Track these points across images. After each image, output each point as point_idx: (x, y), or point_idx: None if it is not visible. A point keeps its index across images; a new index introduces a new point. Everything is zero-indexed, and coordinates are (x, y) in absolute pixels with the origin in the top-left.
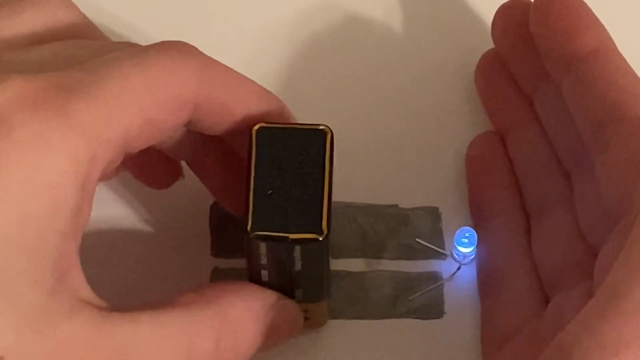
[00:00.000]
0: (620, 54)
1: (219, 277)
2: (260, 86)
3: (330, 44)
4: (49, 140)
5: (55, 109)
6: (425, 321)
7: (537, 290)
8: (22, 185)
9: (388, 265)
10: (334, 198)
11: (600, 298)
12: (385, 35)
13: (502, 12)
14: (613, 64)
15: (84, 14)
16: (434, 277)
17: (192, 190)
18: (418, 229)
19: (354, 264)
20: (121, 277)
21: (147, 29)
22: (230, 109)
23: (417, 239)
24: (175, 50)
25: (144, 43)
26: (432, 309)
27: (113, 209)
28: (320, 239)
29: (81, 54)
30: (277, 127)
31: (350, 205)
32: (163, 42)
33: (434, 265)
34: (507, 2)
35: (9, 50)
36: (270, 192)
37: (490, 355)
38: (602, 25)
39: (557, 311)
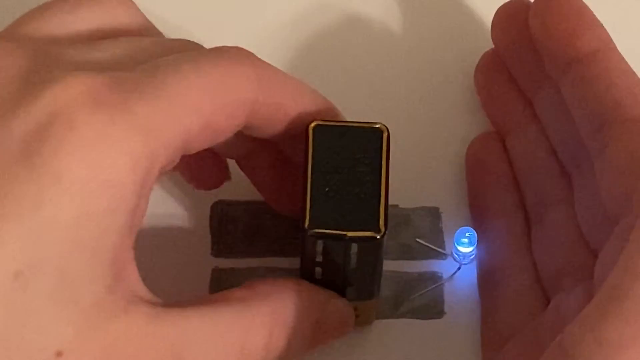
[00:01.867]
0: (620, 54)
1: (219, 277)
2: (311, 87)
3: (330, 44)
4: (111, 138)
5: (117, 107)
6: (425, 321)
7: (537, 291)
8: (84, 183)
9: (388, 265)
10: None
11: (601, 298)
12: (385, 35)
13: (501, 12)
14: (613, 64)
15: (142, 13)
16: (434, 277)
17: (192, 190)
18: (418, 229)
19: None
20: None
21: None
22: (286, 112)
23: (417, 239)
24: (232, 54)
25: None
26: (432, 309)
27: None
28: (378, 237)
29: (141, 53)
30: (333, 125)
31: None
32: (220, 47)
33: (434, 265)
34: (507, 2)
35: (71, 46)
36: (327, 189)
37: (490, 355)
38: (602, 26)
39: (557, 311)
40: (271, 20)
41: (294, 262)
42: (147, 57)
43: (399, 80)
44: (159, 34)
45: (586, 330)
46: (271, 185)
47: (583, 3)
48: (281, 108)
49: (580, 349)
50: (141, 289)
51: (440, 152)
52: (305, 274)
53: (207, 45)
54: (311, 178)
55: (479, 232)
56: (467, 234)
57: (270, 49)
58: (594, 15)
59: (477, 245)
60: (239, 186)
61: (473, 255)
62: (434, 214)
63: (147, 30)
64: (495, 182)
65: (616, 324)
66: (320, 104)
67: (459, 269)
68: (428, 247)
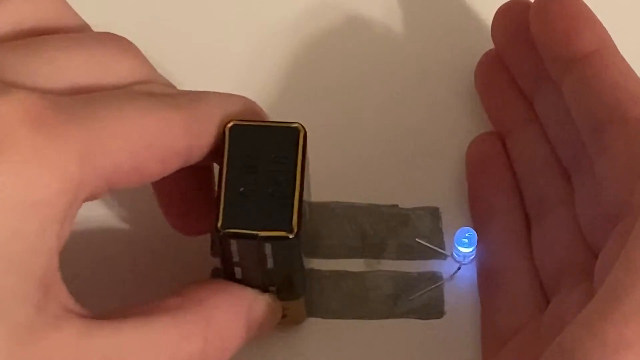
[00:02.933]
0: (620, 54)
1: (218, 277)
2: (230, 94)
3: (330, 44)
4: (46, 159)
5: (54, 129)
6: (425, 321)
7: (537, 291)
8: (16, 202)
9: (388, 265)
10: (334, 198)
11: (601, 298)
12: (385, 35)
13: (502, 12)
14: (613, 64)
15: (70, 6)
16: (434, 277)
17: None
18: (418, 229)
19: (354, 264)
20: (121, 277)
21: (147, 29)
22: (214, 137)
23: (417, 239)
24: (170, 100)
25: (144, 43)
26: (432, 309)
27: (113, 209)
28: (291, 237)
29: (79, 71)
30: (250, 125)
31: (350, 205)
32: (151, 88)
33: (434, 265)
34: (507, 2)
35: (7, 52)
36: (242, 189)
37: (490, 355)
38: (602, 26)
39: (557, 311)
40: (271, 20)
41: None
42: (89, 79)
43: (398, 80)
44: (87, 28)
45: (586, 330)
46: (175, 197)
47: (583, 3)
48: (211, 138)
49: (580, 349)
50: (72, 305)
51: (440, 152)
52: (227, 274)
53: (208, 45)
54: (226, 177)
55: (479, 232)
56: (467, 234)
57: (270, 49)
58: (594, 15)
59: (477, 245)
60: None
61: (473, 256)
62: (434, 214)
63: (78, 26)
64: (495, 182)
65: (616, 324)
66: (243, 105)
67: (459, 269)
68: (428, 247)
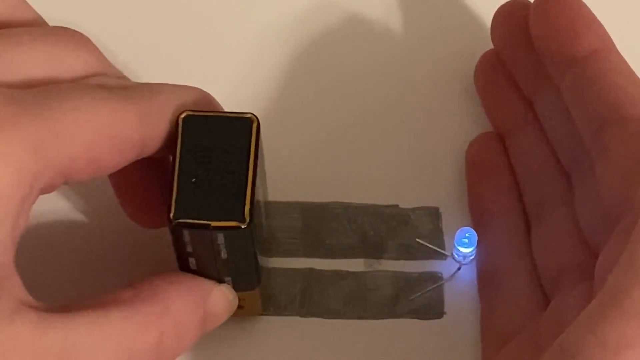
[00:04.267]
0: (620, 54)
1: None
2: (185, 86)
3: (330, 44)
4: (0, 151)
5: (7, 121)
6: (425, 321)
7: (537, 291)
8: None
9: (388, 265)
10: (334, 198)
11: (601, 299)
12: (384, 36)
13: (501, 12)
14: (613, 65)
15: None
16: (434, 277)
17: None
18: (418, 229)
19: (354, 264)
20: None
21: (147, 29)
22: (168, 128)
23: (417, 239)
24: (124, 92)
25: (143, 43)
26: (432, 309)
27: (112, 208)
28: (243, 226)
29: (31, 66)
30: (203, 115)
31: (350, 205)
32: (105, 80)
33: (434, 265)
34: (507, 2)
35: None
36: (194, 179)
37: (490, 355)
38: (602, 26)
39: (557, 312)
40: (271, 20)
41: (293, 262)
42: (43, 72)
43: (398, 80)
44: (42, 22)
45: (587, 330)
46: (132, 189)
47: (583, 3)
48: (165, 129)
49: (581, 349)
50: (26, 297)
51: (440, 152)
52: (182, 265)
53: (208, 45)
54: (178, 168)
55: (479, 232)
56: (467, 234)
57: (270, 49)
58: (594, 15)
59: (477, 245)
60: None
61: (473, 256)
62: (434, 214)
63: (32, 19)
64: (495, 182)
65: (617, 325)
66: (197, 96)
67: (459, 269)
68: (428, 247)
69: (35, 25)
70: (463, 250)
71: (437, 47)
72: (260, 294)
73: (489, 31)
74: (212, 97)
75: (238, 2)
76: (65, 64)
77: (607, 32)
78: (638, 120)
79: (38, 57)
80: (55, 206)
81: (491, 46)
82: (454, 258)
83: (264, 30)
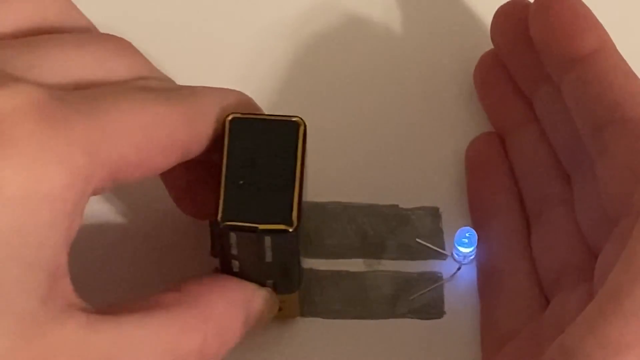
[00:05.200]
0: (619, 54)
1: None
2: (228, 89)
3: (330, 44)
4: (53, 152)
5: (60, 122)
6: (425, 321)
7: (537, 291)
8: (25, 196)
9: (388, 265)
10: (334, 198)
11: (601, 299)
12: (384, 36)
13: (501, 12)
14: (613, 65)
15: (74, 5)
16: (434, 277)
17: None
18: (418, 229)
19: (354, 264)
20: (121, 277)
21: (146, 29)
22: (213, 129)
23: (417, 239)
24: (168, 94)
25: (143, 42)
26: (432, 309)
27: (113, 208)
28: (290, 230)
29: (80, 70)
30: (250, 118)
31: (350, 205)
32: (148, 82)
33: (434, 265)
34: (507, 2)
35: (8, 48)
36: (241, 182)
37: (490, 355)
38: (602, 26)
39: (557, 312)
40: (271, 20)
41: None
42: (89, 75)
43: (398, 80)
44: (91, 27)
45: (587, 330)
46: (181, 186)
47: (582, 3)
48: (209, 132)
49: (581, 349)
50: (75, 299)
51: (440, 152)
52: (225, 267)
53: (208, 45)
54: (226, 170)
55: (479, 232)
56: (467, 234)
57: (270, 48)
58: (594, 15)
59: (477, 245)
60: None
61: (473, 256)
62: (434, 214)
63: (81, 26)
64: (495, 182)
65: (617, 325)
66: (239, 99)
67: (459, 269)
68: (428, 247)
69: (83, 31)
70: (463, 250)
71: (437, 47)
72: (299, 296)
73: (489, 31)
74: (252, 99)
75: (238, 2)
76: (109, 67)
77: (607, 32)
78: (638, 120)
79: (84, 60)
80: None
81: (491, 46)
82: (454, 258)
83: (264, 30)
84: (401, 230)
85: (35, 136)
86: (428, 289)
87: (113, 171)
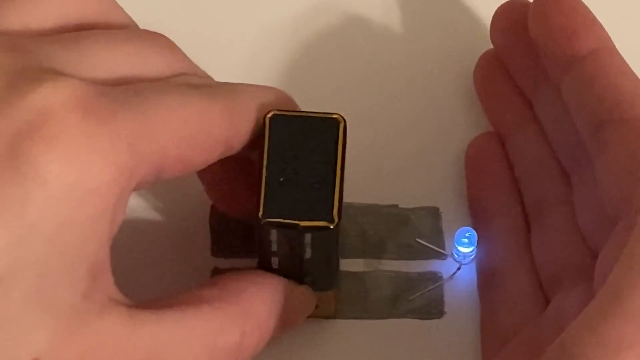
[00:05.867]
0: (619, 54)
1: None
2: (265, 86)
3: (330, 44)
4: (99, 146)
5: (105, 117)
6: (425, 321)
7: (536, 291)
8: (70, 190)
9: (388, 265)
10: None
11: (601, 299)
12: (385, 36)
13: (501, 12)
14: (612, 64)
15: (116, 2)
16: (434, 277)
17: (192, 190)
18: (418, 229)
19: (354, 264)
20: (121, 277)
21: (146, 28)
22: (253, 127)
23: (417, 239)
24: (209, 90)
25: None
26: (432, 309)
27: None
28: (331, 227)
29: (124, 66)
30: (290, 115)
31: (350, 205)
32: (188, 80)
33: (434, 265)
34: (507, 2)
35: (52, 44)
36: (282, 179)
37: (490, 355)
38: (601, 26)
39: (557, 312)
40: (271, 20)
41: None
42: (130, 71)
43: (398, 80)
44: (130, 23)
45: (587, 330)
46: (219, 184)
47: (582, 3)
48: (248, 128)
49: (581, 349)
50: (116, 294)
51: (440, 152)
52: (263, 264)
53: (208, 45)
54: (266, 167)
55: (479, 232)
56: (467, 234)
57: (270, 49)
58: (594, 15)
59: (477, 245)
60: None
61: (473, 255)
62: (434, 214)
63: (122, 22)
64: (494, 182)
65: (617, 324)
66: (277, 96)
67: (459, 269)
68: (428, 247)
69: (123, 28)
70: (463, 250)
71: (437, 47)
72: (335, 295)
73: (489, 31)
74: (290, 97)
75: (238, 2)
76: (151, 64)
77: (606, 32)
78: (637, 120)
79: (127, 56)
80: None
81: (491, 46)
82: (454, 258)
83: (263, 30)
84: (401, 230)
85: (81, 131)
86: (428, 289)
87: (156, 167)
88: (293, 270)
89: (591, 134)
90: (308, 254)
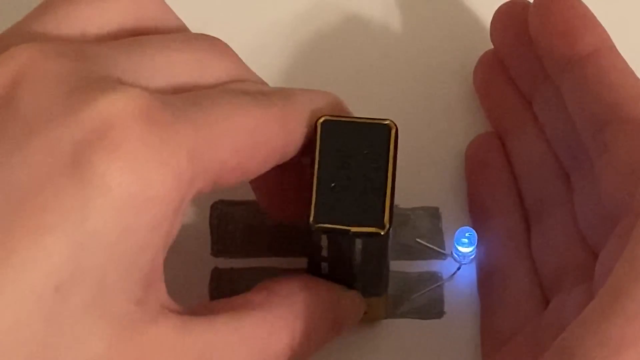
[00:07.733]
0: (619, 54)
1: (219, 277)
2: (316, 90)
3: (330, 44)
4: (160, 156)
5: (167, 127)
6: (425, 321)
7: (536, 291)
8: (131, 198)
9: None
10: None
11: (602, 299)
12: (384, 36)
13: (501, 12)
14: (612, 65)
15: (170, 8)
16: (434, 277)
17: None
18: (418, 229)
19: None
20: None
21: None
22: (306, 134)
23: (417, 239)
24: (264, 97)
25: None
26: (432, 309)
27: None
28: (382, 233)
29: (183, 73)
30: (341, 121)
31: None
32: (246, 88)
33: (434, 265)
34: (506, 2)
35: (112, 50)
36: (333, 184)
37: (490, 355)
38: (601, 26)
39: (557, 312)
40: (271, 20)
41: (294, 262)
42: (188, 78)
43: (398, 80)
44: (184, 28)
45: (587, 330)
46: (271, 190)
47: (582, 3)
48: (302, 134)
49: (582, 349)
50: (168, 301)
51: (440, 152)
52: (313, 268)
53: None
54: (317, 173)
55: (479, 232)
56: (467, 234)
57: (270, 49)
58: (594, 15)
59: (477, 245)
60: (239, 186)
61: (473, 255)
62: (434, 214)
63: (176, 26)
64: (494, 182)
65: (617, 324)
66: (329, 101)
67: (459, 269)
68: (428, 247)
69: (178, 32)
70: (463, 250)
71: (437, 47)
72: (385, 300)
73: (489, 31)
74: (342, 101)
75: (238, 2)
76: (208, 69)
77: (606, 32)
78: (637, 120)
79: (183, 62)
80: None
81: (491, 46)
82: (453, 258)
83: (264, 30)
84: (401, 230)
85: (142, 140)
86: (428, 289)
87: (214, 175)
88: (343, 276)
89: (591, 134)
90: (358, 259)
